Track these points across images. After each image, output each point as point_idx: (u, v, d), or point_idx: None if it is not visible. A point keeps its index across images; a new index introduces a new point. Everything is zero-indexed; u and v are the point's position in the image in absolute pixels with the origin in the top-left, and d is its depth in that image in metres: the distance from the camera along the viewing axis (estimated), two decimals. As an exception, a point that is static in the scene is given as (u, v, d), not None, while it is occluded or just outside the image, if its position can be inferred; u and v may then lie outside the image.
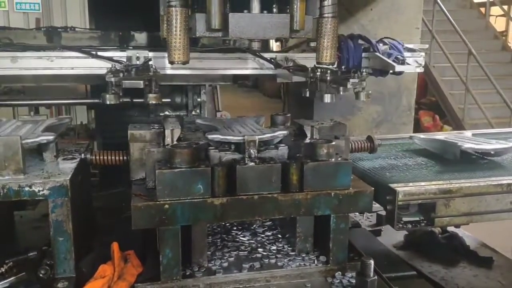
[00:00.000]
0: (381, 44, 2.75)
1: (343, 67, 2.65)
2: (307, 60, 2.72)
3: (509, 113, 9.59)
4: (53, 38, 3.29)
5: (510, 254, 2.91)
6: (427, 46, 2.95)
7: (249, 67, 2.70)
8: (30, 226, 2.74)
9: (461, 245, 2.87)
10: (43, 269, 2.14)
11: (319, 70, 2.31)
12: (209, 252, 2.26)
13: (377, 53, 2.70)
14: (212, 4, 1.94)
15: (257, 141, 2.10)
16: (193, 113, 3.62)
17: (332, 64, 2.26)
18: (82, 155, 2.35)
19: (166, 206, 1.97)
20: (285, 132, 2.28)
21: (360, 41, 2.75)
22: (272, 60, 2.65)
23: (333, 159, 2.15)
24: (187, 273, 2.12)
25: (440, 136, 3.10)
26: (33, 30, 3.44)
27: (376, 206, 2.44)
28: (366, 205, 2.20)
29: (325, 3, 2.10)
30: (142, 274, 2.13)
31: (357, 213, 3.22)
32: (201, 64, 2.63)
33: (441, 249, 2.82)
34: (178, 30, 1.99)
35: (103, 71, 2.59)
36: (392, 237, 2.98)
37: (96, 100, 3.58)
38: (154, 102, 2.37)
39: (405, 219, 2.28)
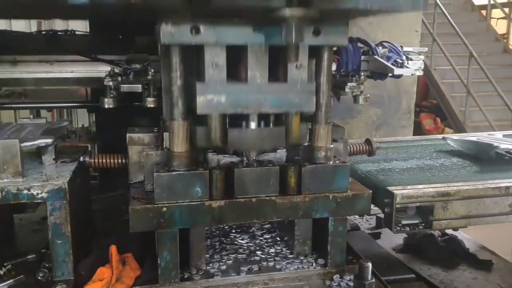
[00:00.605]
0: (380, 47, 2.75)
1: (342, 70, 2.65)
2: None
3: (511, 115, 9.57)
4: (54, 41, 3.30)
5: (510, 257, 2.90)
6: (426, 49, 2.94)
7: None
8: (29, 229, 2.75)
9: (461, 248, 2.86)
10: (41, 271, 2.15)
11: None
12: (207, 255, 2.26)
13: (376, 56, 2.70)
14: (213, 120, 1.99)
15: (255, 144, 2.10)
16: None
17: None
18: (81, 158, 2.36)
19: (164, 209, 1.98)
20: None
21: (359, 44, 2.75)
22: None
23: (331, 162, 2.15)
24: (185, 276, 2.13)
25: (473, 137, 3.16)
26: (34, 34, 3.44)
27: (376, 209, 2.45)
28: (364, 208, 2.20)
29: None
30: (140, 277, 2.13)
31: (356, 216, 3.22)
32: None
33: (440, 252, 2.81)
34: (180, 140, 2.02)
35: (103, 74, 2.60)
36: (391, 240, 2.98)
37: (97, 104, 3.60)
38: (152, 106, 2.37)
39: (403, 222, 2.28)
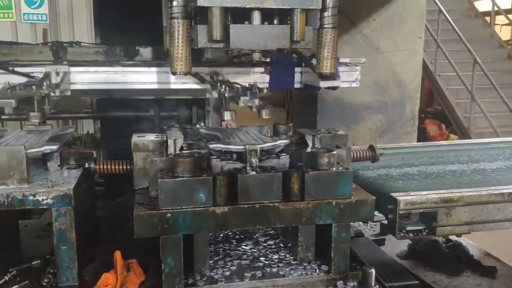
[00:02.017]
0: (313, 59, 2.64)
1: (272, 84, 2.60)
2: (238, 75, 2.70)
3: (515, 121, 9.57)
4: (59, 53, 3.32)
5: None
6: (364, 60, 2.85)
7: (175, 81, 2.65)
8: (34, 235, 2.76)
9: (465, 254, 2.86)
10: (46, 277, 2.16)
11: (223, 86, 2.32)
12: (211, 261, 2.27)
13: (309, 68, 2.64)
14: (214, 15, 1.97)
15: (258, 150, 2.12)
16: (197, 126, 3.63)
17: (332, 73, 2.27)
18: (86, 165, 2.38)
19: (168, 215, 1.99)
20: (286, 141, 2.29)
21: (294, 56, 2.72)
22: (198, 74, 2.58)
23: (334, 168, 2.16)
24: (189, 282, 2.13)
25: None
26: (39, 45, 3.47)
27: (380, 215, 2.45)
28: (367, 214, 2.20)
29: (325, 14, 2.12)
30: (145, 283, 2.14)
31: (360, 222, 3.22)
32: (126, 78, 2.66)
33: (444, 259, 2.81)
34: (180, 41, 2.02)
35: (103, 86, 2.63)
36: (395, 246, 2.98)
37: (101, 114, 3.63)
38: (36, 120, 2.31)
39: (407, 228, 2.29)
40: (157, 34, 2.67)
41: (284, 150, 2.31)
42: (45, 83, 2.31)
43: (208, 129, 2.68)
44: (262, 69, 2.67)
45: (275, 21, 2.06)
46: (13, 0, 10.62)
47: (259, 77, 2.70)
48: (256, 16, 1.98)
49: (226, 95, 2.19)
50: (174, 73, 2.10)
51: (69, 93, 2.56)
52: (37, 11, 10.73)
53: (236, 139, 2.32)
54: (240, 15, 2.00)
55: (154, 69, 2.68)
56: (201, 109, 3.58)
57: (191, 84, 2.61)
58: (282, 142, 2.28)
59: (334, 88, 2.61)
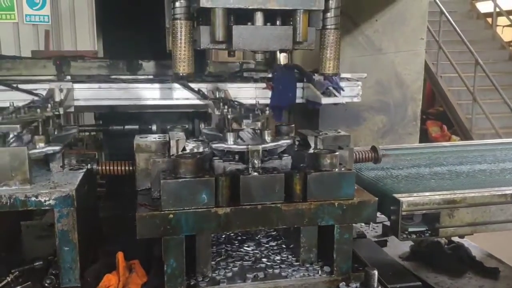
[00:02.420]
0: (315, 75, 2.65)
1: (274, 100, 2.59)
2: (241, 90, 2.71)
3: (517, 123, 9.56)
4: (62, 67, 3.32)
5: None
6: (365, 75, 2.88)
7: (178, 97, 2.63)
8: (36, 236, 2.76)
9: (467, 256, 2.85)
10: (48, 278, 2.16)
11: (225, 106, 2.29)
12: (213, 262, 2.27)
13: (310, 84, 2.64)
14: (216, 16, 1.97)
15: (260, 151, 2.12)
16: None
17: (335, 74, 2.27)
18: (89, 166, 2.38)
19: (171, 215, 1.99)
20: (288, 141, 2.29)
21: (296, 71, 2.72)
22: (200, 91, 2.58)
23: (336, 169, 2.16)
24: (191, 283, 2.13)
25: None
26: (43, 60, 3.46)
27: (383, 216, 2.45)
28: (370, 215, 2.20)
29: (328, 15, 2.13)
30: (147, 284, 2.14)
31: (362, 224, 3.21)
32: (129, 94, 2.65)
33: (447, 260, 2.80)
34: (183, 42, 2.02)
35: (106, 102, 2.62)
36: (398, 247, 2.96)
37: (103, 127, 3.61)
38: (41, 144, 2.27)
39: (409, 229, 2.28)
40: (160, 33, 2.68)
41: (286, 151, 2.31)
42: (49, 104, 2.30)
43: (211, 129, 2.68)
44: (264, 85, 2.67)
45: (278, 22, 2.06)
46: (15, 1, 10.65)
47: (261, 93, 2.70)
48: (259, 17, 1.98)
49: (229, 116, 2.20)
50: (176, 74, 2.10)
51: (72, 109, 2.56)
52: (39, 12, 10.76)
53: (238, 139, 2.32)
54: (243, 16, 2.00)
55: (157, 85, 2.67)
56: (203, 121, 3.58)
57: (194, 100, 2.61)
58: (284, 142, 2.28)
59: (336, 104, 2.61)
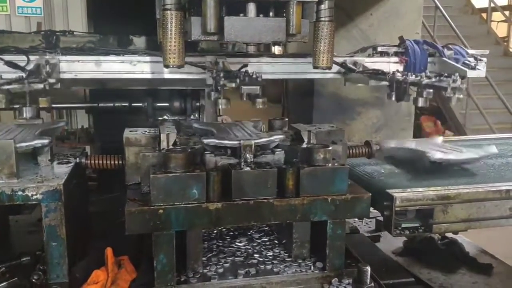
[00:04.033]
0: (446, 50, 2.77)
1: (409, 73, 2.53)
2: (374, 64, 2.80)
3: (511, 118, 9.57)
4: (52, 42, 3.27)
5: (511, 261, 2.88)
6: (488, 51, 2.97)
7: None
8: (25, 230, 2.72)
9: (461, 252, 2.84)
10: (36, 274, 2.12)
11: (399, 74, 2.32)
12: (204, 258, 2.24)
13: (445, 58, 2.71)
14: (208, 7, 1.93)
15: (253, 146, 2.08)
16: (192, 117, 3.58)
17: (329, 68, 2.23)
18: (77, 159, 2.34)
19: (161, 211, 1.95)
20: (281, 136, 2.26)
21: (425, 46, 2.77)
22: (344, 64, 2.70)
23: (329, 164, 2.13)
24: (182, 279, 2.10)
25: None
26: (32, 34, 3.42)
27: (376, 212, 2.43)
28: (363, 211, 2.17)
29: (322, 7, 2.09)
30: (136, 280, 2.11)
31: (356, 219, 3.19)
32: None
33: (440, 256, 2.79)
34: (173, 33, 1.97)
35: (102, 75, 2.58)
36: (391, 243, 2.95)
37: (94, 104, 3.58)
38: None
39: (403, 225, 2.26)
40: (151, 26, 2.63)
41: (279, 145, 2.27)
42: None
43: (202, 124, 2.64)
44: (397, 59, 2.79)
45: (271, 14, 2.02)
46: (7, -7, 10.51)
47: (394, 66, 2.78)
48: (251, 8, 1.95)
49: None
50: (166, 66, 2.05)
51: (59, 85, 2.51)
52: (31, 4, 10.62)
53: (231, 134, 2.28)
54: (235, 7, 1.96)
55: (147, 58, 2.63)
56: (195, 100, 3.53)
57: (186, 74, 2.57)
58: (277, 137, 2.24)
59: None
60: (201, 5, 1.96)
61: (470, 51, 2.85)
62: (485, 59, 2.82)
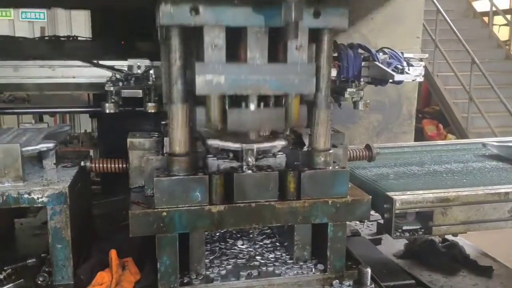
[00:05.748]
0: (380, 54, 2.77)
1: (342, 76, 2.66)
2: None
3: (513, 122, 9.58)
4: (56, 47, 3.31)
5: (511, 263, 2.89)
6: (427, 55, 2.96)
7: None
8: (30, 233, 2.76)
9: (461, 254, 2.85)
10: (41, 276, 2.15)
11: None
12: (207, 260, 2.26)
13: (377, 62, 2.71)
14: (212, 102, 2.00)
15: (255, 150, 2.11)
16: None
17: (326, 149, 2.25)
18: (82, 163, 2.37)
19: (164, 213, 1.98)
20: (283, 142, 2.26)
21: (360, 50, 2.76)
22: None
23: (330, 168, 2.16)
24: (185, 281, 2.13)
25: None
26: (36, 39, 3.45)
27: (377, 214, 2.45)
28: (363, 214, 2.20)
29: (319, 94, 2.12)
30: (140, 282, 2.14)
31: (357, 222, 3.21)
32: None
33: (441, 258, 2.80)
34: (179, 124, 2.02)
35: (105, 80, 2.61)
36: (392, 245, 2.97)
37: (98, 109, 3.60)
38: (152, 111, 2.38)
39: (403, 227, 2.29)
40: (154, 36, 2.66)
41: (281, 149, 2.30)
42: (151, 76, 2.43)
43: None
44: None
45: (271, 100, 2.12)
46: (11, -2, 10.57)
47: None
48: (253, 102, 2.02)
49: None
50: (172, 155, 2.08)
51: None
52: (35, 9, 10.69)
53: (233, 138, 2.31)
54: (237, 98, 2.03)
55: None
56: None
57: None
58: (280, 143, 2.25)
59: (399, 82, 2.73)
60: (205, 98, 2.02)
61: (407, 55, 2.82)
62: (422, 63, 2.82)
